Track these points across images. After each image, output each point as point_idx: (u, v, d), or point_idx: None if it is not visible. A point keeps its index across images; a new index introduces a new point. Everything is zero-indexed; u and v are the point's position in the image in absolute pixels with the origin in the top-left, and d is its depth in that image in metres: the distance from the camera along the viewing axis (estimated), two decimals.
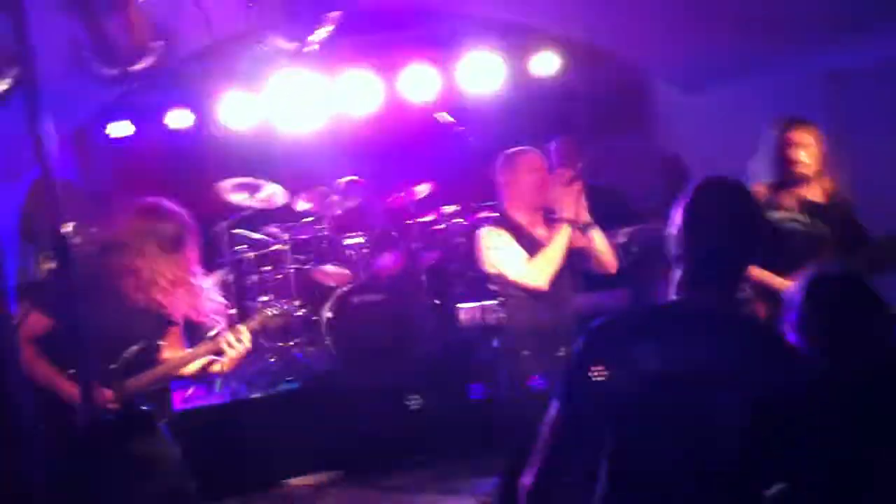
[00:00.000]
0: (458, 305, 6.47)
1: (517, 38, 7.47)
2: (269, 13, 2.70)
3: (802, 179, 4.15)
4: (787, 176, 4.16)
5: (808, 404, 1.98)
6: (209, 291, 3.84)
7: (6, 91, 2.60)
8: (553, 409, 2.00)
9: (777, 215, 4.16)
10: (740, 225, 2.11)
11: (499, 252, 3.97)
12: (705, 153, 4.89)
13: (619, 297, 5.64)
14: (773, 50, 5.76)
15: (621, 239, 6.38)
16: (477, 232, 4.16)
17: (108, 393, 3.47)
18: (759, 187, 4.19)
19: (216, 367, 3.78)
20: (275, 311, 4.00)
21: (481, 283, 6.53)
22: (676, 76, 7.36)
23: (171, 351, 3.75)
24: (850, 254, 4.06)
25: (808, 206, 4.16)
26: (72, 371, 3.39)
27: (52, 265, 5.34)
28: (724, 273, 2.09)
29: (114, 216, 3.66)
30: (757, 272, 4.13)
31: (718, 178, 2.19)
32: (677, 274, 2.15)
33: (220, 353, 3.70)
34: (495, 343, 4.21)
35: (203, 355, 3.72)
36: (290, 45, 2.70)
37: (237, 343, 3.67)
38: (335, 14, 2.70)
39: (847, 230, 4.15)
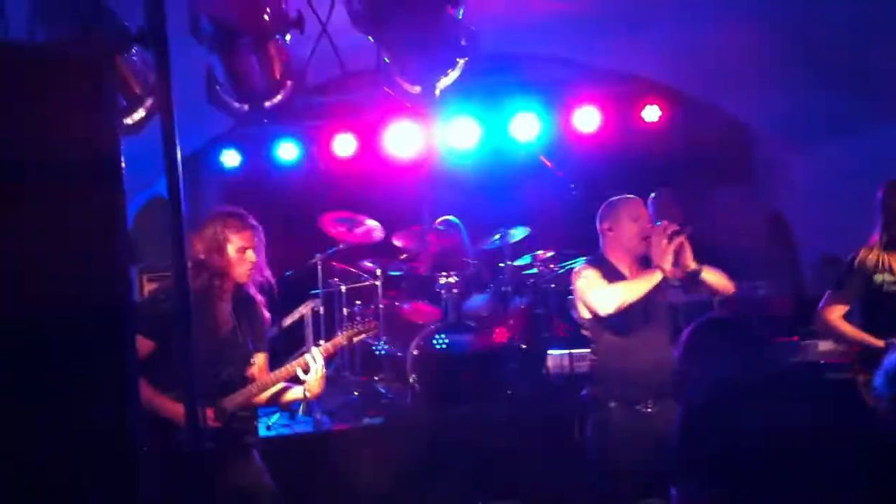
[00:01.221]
0: (548, 352, 6.42)
1: (624, 87, 7.49)
2: (398, 55, 2.77)
3: None
4: None
5: None
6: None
7: (142, 120, 2.72)
8: None
9: (880, 278, 4.14)
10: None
11: (587, 285, 3.91)
12: (809, 210, 4.80)
13: None
14: (880, 112, 5.64)
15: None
16: (574, 274, 4.11)
17: (209, 413, 3.55)
18: (869, 249, 4.20)
19: (295, 394, 3.83)
20: (350, 333, 4.07)
21: (570, 331, 6.52)
22: (783, 132, 7.26)
23: (260, 373, 3.80)
24: None
25: None
26: (171, 394, 3.49)
27: (154, 286, 5.50)
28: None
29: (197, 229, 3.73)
30: (856, 333, 4.09)
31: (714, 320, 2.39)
32: None
33: (296, 378, 3.76)
34: (583, 392, 4.15)
35: (281, 380, 3.77)
36: (414, 89, 2.77)
37: (312, 366, 3.72)
38: (463, 60, 2.75)
39: None
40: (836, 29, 4.98)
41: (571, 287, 4.09)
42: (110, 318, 1.94)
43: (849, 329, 4.18)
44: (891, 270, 4.12)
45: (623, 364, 3.90)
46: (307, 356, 3.76)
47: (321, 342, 4.05)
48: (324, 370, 3.77)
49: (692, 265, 3.91)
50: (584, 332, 4.09)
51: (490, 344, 6.54)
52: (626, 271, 4.01)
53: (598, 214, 4.14)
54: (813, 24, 5.01)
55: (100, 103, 1.81)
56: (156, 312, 3.51)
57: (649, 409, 3.85)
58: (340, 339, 4.00)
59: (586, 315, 4.00)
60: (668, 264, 3.84)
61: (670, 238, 3.86)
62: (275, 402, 3.92)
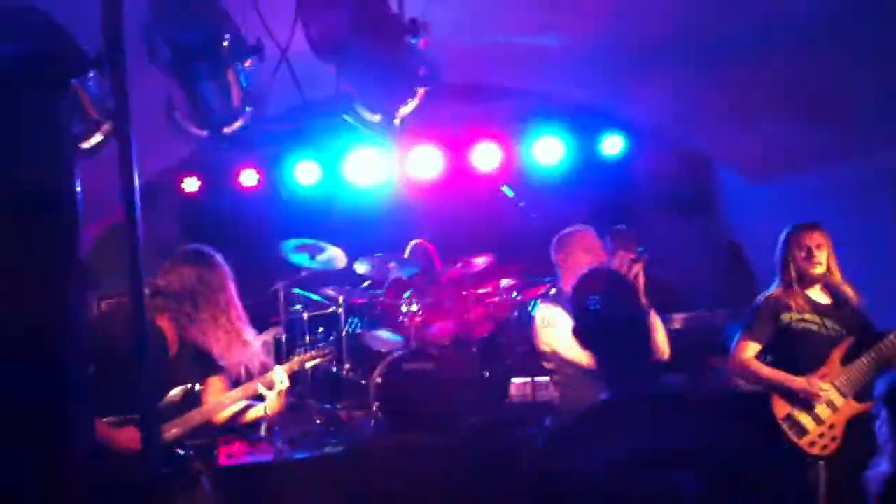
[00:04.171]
0: (511, 380, 6.43)
1: (585, 119, 7.59)
2: (359, 84, 2.78)
3: (816, 280, 4.27)
4: (801, 277, 4.27)
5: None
6: (253, 344, 3.82)
7: (98, 144, 2.71)
8: None
9: (787, 317, 4.24)
10: (622, 313, 2.24)
11: (555, 330, 3.94)
12: (768, 242, 4.84)
13: (673, 382, 5.55)
14: (840, 146, 5.76)
15: (676, 325, 6.34)
16: (535, 314, 4.14)
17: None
18: (774, 291, 4.33)
19: (257, 412, 3.81)
20: (313, 354, 4.10)
21: (532, 359, 6.54)
22: (743, 164, 7.38)
23: (214, 396, 3.75)
24: (863, 351, 4.13)
25: (817, 307, 4.26)
26: (108, 419, 3.43)
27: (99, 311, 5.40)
28: (628, 360, 2.19)
29: (162, 262, 3.71)
30: (771, 372, 4.15)
31: (598, 269, 2.37)
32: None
33: (259, 396, 3.73)
34: (547, 421, 4.16)
35: (242, 398, 3.74)
36: (374, 118, 2.78)
37: (276, 384, 3.71)
38: (423, 89, 2.77)
39: (858, 328, 4.22)
40: (798, 63, 5.08)
41: (532, 326, 4.10)
42: (62, 345, 1.91)
43: (765, 369, 4.26)
44: (796, 308, 4.23)
45: (586, 394, 3.90)
46: (271, 373, 3.75)
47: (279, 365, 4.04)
48: (286, 389, 3.76)
49: (643, 301, 3.94)
50: (547, 365, 4.10)
51: (452, 372, 6.53)
52: None
53: (552, 246, 4.16)
54: (775, 59, 5.11)
55: (55, 129, 1.80)
56: (99, 333, 3.45)
57: None
58: (293, 363, 3.98)
59: (548, 349, 4.01)
60: None
61: (628, 268, 3.89)
62: (235, 422, 3.86)
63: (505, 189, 7.31)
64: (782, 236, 4.36)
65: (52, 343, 1.92)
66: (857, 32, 4.43)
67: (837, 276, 4.30)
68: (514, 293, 7.09)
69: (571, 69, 6.17)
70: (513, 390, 6.40)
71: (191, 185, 7.92)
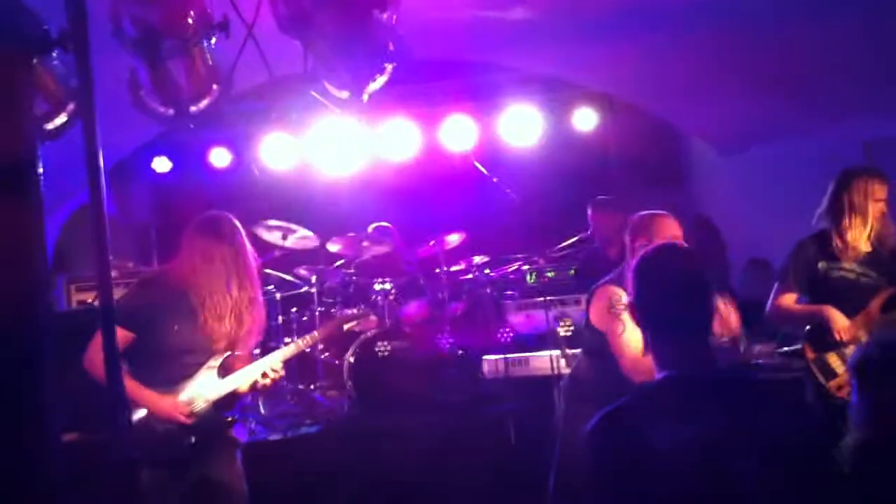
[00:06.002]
0: (484, 357, 6.44)
1: (557, 93, 7.57)
2: (326, 60, 2.76)
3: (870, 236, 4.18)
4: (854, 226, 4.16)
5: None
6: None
7: (63, 125, 2.67)
8: None
9: (826, 265, 4.20)
10: (694, 289, 2.13)
11: (624, 322, 3.63)
12: (738, 213, 4.87)
13: None
14: (810, 117, 5.80)
15: None
16: (604, 288, 3.88)
17: (180, 407, 3.53)
18: (808, 240, 4.27)
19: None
20: (349, 315, 4.44)
21: (505, 336, 6.57)
22: (714, 136, 7.41)
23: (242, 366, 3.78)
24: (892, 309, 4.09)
25: (858, 255, 4.18)
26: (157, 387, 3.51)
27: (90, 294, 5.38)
28: (694, 338, 2.10)
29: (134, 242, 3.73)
30: (813, 307, 4.20)
31: (668, 245, 2.26)
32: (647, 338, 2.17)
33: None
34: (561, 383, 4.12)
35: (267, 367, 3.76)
36: (342, 94, 2.76)
37: (272, 372, 3.76)
38: (391, 65, 2.75)
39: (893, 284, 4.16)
40: (767, 35, 5.09)
41: (598, 300, 3.87)
42: (28, 330, 1.89)
43: (806, 307, 4.23)
44: (834, 257, 4.18)
45: (611, 378, 3.61)
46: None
47: (315, 332, 4.30)
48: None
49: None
50: (586, 334, 3.96)
51: (426, 350, 6.54)
52: None
53: (630, 228, 3.89)
54: (744, 31, 5.12)
55: (14, 105, 1.77)
56: (138, 303, 3.54)
57: None
58: (328, 326, 4.11)
59: (601, 326, 3.80)
60: None
61: None
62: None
63: (478, 165, 7.29)
64: (845, 179, 4.21)
65: (16, 328, 1.89)
66: (825, 4, 4.45)
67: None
68: (488, 270, 7.11)
69: (542, 43, 6.14)
70: (485, 367, 6.40)
71: (161, 165, 7.84)
